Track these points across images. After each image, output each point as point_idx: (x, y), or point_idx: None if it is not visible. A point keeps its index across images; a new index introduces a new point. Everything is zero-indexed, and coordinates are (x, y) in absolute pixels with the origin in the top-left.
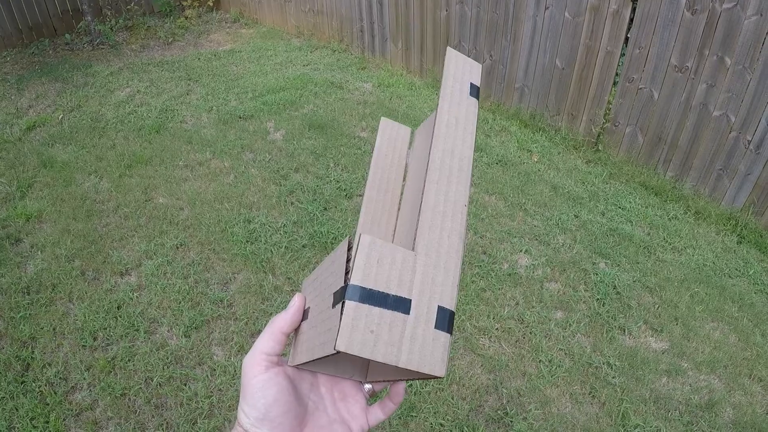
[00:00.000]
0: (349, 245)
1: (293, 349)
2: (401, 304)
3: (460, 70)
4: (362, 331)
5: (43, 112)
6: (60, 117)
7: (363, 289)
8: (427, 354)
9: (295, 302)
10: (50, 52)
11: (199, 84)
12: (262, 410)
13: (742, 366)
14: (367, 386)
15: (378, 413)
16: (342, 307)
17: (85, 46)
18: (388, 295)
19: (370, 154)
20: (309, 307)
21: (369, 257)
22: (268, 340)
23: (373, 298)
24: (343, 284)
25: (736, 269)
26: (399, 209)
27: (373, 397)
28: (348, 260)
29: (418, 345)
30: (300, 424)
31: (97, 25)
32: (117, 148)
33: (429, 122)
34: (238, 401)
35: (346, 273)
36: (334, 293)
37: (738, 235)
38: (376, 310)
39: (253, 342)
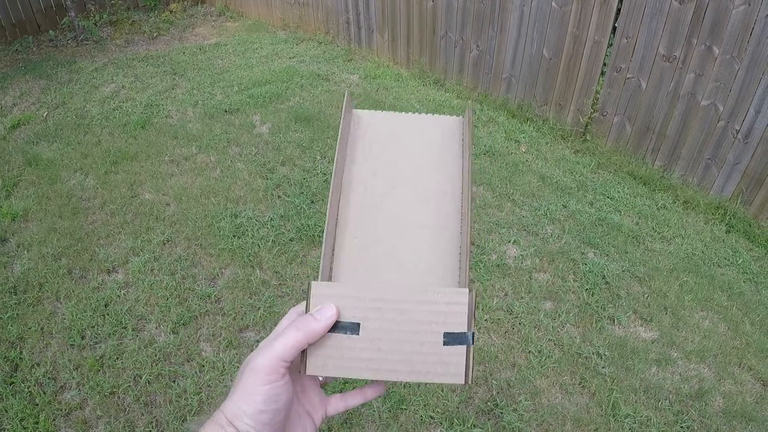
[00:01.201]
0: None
1: (312, 355)
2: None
3: None
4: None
5: (28, 110)
6: (44, 114)
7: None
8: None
9: (332, 315)
10: (34, 49)
11: (184, 78)
12: (270, 415)
13: (732, 355)
14: (320, 378)
15: (338, 405)
16: (468, 350)
17: (69, 42)
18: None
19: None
20: (360, 323)
21: (471, 307)
22: (289, 348)
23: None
24: (465, 330)
25: (725, 258)
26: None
27: (322, 387)
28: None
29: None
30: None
31: (80, 21)
32: (102, 144)
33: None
34: (228, 397)
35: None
36: (447, 333)
37: (727, 224)
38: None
39: (245, 335)
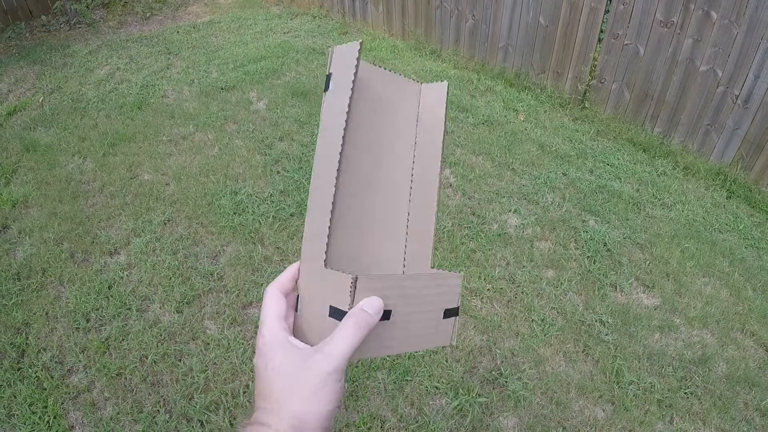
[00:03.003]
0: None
1: None
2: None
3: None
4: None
5: (23, 96)
6: (40, 100)
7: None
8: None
9: (381, 306)
10: (27, 35)
11: (179, 57)
12: (337, 411)
13: (734, 321)
14: None
15: None
16: (455, 323)
17: (62, 26)
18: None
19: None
20: (391, 310)
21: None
22: (353, 347)
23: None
24: (457, 306)
25: (726, 224)
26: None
27: None
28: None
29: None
30: None
31: (72, 5)
32: (99, 127)
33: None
34: (279, 402)
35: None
36: (446, 309)
37: (727, 190)
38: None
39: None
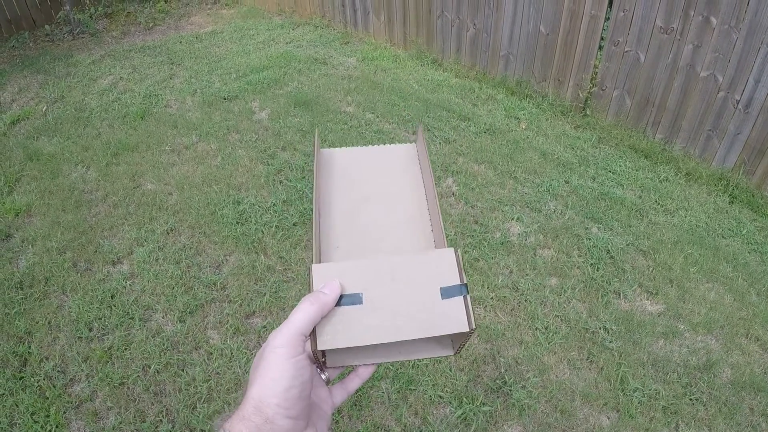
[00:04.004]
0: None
1: (321, 333)
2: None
3: None
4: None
5: (27, 105)
6: (44, 109)
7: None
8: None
9: (336, 286)
10: (31, 44)
11: (181, 67)
12: (298, 390)
13: (739, 326)
14: (324, 376)
15: (342, 393)
16: (465, 300)
17: (65, 36)
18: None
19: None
20: (362, 293)
21: (459, 261)
22: (307, 322)
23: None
24: (459, 282)
25: (729, 229)
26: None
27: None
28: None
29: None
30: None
31: (76, 15)
32: (102, 136)
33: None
34: (250, 384)
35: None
36: (443, 288)
37: (730, 195)
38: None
39: (252, 322)
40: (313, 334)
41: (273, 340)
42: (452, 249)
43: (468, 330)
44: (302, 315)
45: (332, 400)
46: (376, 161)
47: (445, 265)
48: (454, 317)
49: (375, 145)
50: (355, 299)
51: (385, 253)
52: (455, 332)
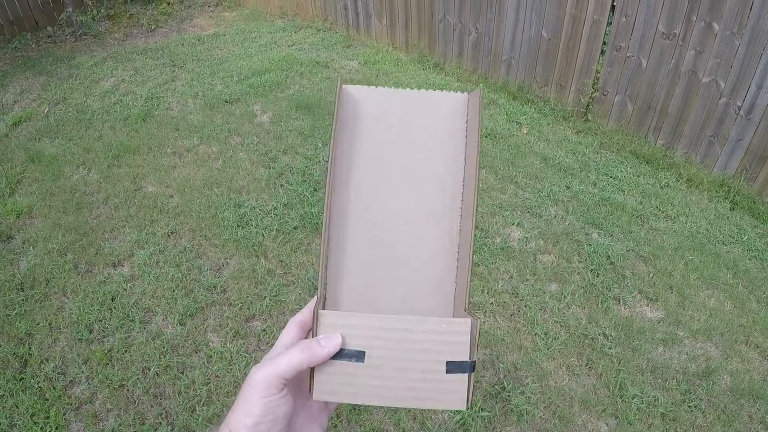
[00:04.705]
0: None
1: (319, 382)
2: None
3: None
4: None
5: (29, 106)
6: (46, 111)
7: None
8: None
9: (338, 343)
10: (33, 45)
11: (183, 70)
12: (267, 426)
13: (739, 333)
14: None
15: (329, 410)
16: (470, 378)
17: (67, 37)
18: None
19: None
20: (365, 351)
21: (473, 336)
22: (291, 369)
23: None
24: (468, 359)
25: (730, 236)
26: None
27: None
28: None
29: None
30: None
31: (78, 16)
32: (104, 138)
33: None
34: (232, 409)
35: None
36: (449, 362)
37: (731, 201)
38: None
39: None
40: (311, 378)
41: (254, 373)
42: (469, 321)
43: (464, 409)
44: (288, 360)
45: (329, 408)
46: (413, 117)
47: (459, 338)
48: (454, 394)
49: (417, 90)
50: (358, 357)
51: (392, 271)
52: (452, 409)
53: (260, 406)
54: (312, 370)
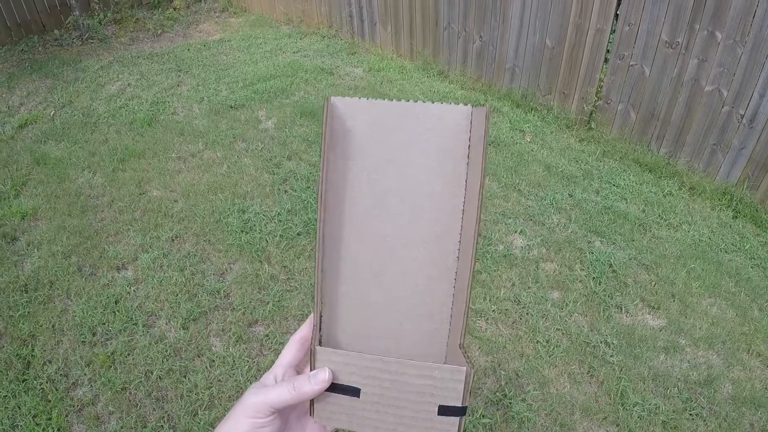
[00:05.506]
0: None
1: (319, 407)
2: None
3: None
4: None
5: (35, 109)
6: (52, 114)
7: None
8: None
9: (324, 381)
10: (39, 48)
11: (189, 75)
12: None
13: (741, 341)
14: None
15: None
16: (460, 421)
17: (74, 41)
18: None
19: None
20: (360, 389)
21: (467, 383)
22: (282, 401)
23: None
24: (460, 405)
25: (732, 244)
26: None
27: None
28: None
29: None
30: None
31: (85, 20)
32: (109, 142)
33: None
34: (221, 423)
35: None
36: (441, 406)
37: (733, 209)
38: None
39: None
40: (312, 401)
41: (248, 396)
42: (464, 369)
43: None
44: (279, 394)
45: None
46: (411, 133)
47: (452, 385)
48: None
49: (418, 102)
50: (354, 392)
51: (385, 302)
52: None
53: (246, 425)
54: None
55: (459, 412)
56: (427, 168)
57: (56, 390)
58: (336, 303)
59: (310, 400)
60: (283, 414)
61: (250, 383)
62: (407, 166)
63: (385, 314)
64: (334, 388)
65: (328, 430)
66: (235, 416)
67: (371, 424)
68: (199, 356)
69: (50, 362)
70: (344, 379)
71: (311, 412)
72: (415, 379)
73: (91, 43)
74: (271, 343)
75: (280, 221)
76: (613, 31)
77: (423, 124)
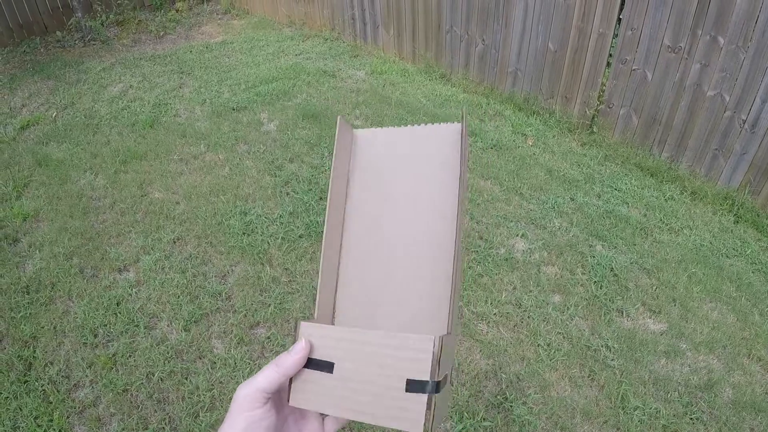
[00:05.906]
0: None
1: (295, 389)
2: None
3: None
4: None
5: (37, 110)
6: (54, 115)
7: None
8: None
9: (302, 348)
10: (42, 50)
11: (191, 77)
12: None
13: (741, 346)
14: None
15: (334, 423)
16: (429, 399)
17: (76, 42)
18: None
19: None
20: (334, 363)
21: (435, 354)
22: (270, 381)
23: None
24: (429, 379)
25: (734, 249)
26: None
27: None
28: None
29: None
30: None
31: (87, 21)
32: (111, 144)
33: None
34: (221, 426)
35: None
36: (409, 380)
37: (735, 214)
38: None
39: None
40: (290, 385)
41: (238, 391)
42: (431, 337)
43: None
44: (265, 375)
45: (323, 430)
46: (412, 149)
47: (420, 355)
48: (411, 413)
49: (414, 126)
50: (328, 368)
51: (390, 301)
52: (408, 431)
53: (243, 421)
54: (291, 379)
55: (428, 387)
56: (425, 174)
57: (58, 391)
58: (340, 302)
59: (289, 386)
60: (281, 413)
61: None
62: (409, 172)
63: (389, 309)
64: (310, 363)
65: (327, 430)
66: (231, 415)
67: (342, 405)
68: (200, 358)
69: (52, 364)
70: (321, 354)
71: (288, 398)
72: (386, 350)
73: (94, 44)
74: (273, 345)
75: (282, 223)
76: (615, 36)
77: (424, 142)
